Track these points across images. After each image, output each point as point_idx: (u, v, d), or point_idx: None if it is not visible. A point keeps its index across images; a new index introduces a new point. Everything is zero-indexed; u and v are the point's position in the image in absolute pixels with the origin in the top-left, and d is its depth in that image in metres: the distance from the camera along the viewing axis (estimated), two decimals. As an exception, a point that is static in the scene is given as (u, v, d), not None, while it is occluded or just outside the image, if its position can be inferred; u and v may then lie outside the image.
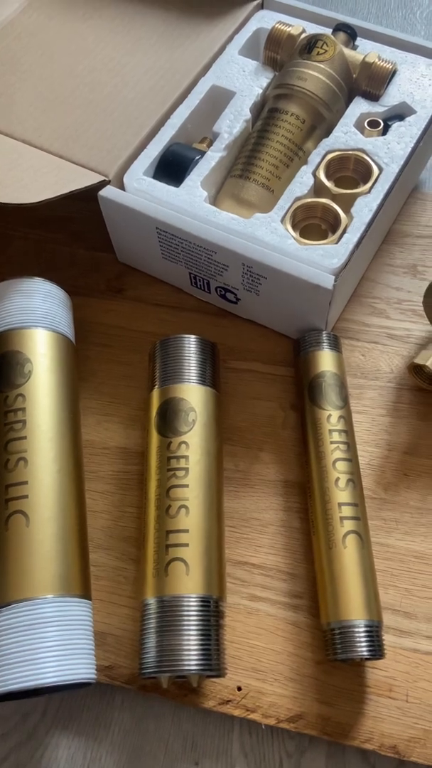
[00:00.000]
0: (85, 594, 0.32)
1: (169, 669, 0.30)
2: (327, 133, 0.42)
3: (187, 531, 0.32)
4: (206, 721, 0.34)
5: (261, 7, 0.48)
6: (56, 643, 0.29)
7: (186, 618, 0.31)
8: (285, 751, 0.33)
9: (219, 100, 0.43)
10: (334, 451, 0.36)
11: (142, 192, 0.40)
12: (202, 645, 0.30)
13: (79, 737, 0.34)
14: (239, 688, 0.33)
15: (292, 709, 0.33)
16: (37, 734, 0.34)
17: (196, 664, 0.30)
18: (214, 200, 0.41)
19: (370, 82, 0.42)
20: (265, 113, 0.42)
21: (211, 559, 0.32)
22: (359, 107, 0.42)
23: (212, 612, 0.31)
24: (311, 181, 0.40)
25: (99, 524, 0.38)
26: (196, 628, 0.30)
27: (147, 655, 0.31)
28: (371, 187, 0.39)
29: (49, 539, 0.31)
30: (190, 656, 0.30)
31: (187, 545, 0.32)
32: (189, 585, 0.31)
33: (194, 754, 0.33)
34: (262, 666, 0.34)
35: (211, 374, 0.38)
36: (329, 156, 0.40)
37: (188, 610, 0.31)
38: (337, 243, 0.37)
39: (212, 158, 0.41)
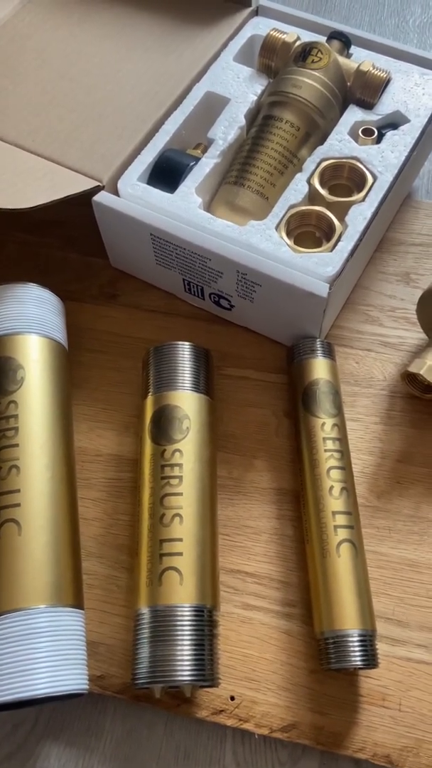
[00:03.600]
0: (78, 603, 0.32)
1: (162, 679, 0.30)
2: (321, 140, 0.42)
3: (180, 540, 0.32)
4: (199, 730, 0.34)
5: (256, 13, 0.48)
6: (48, 653, 0.29)
7: (179, 628, 0.30)
8: (278, 761, 0.33)
9: (214, 106, 0.43)
10: (328, 459, 0.36)
11: (136, 198, 0.39)
12: (195, 655, 0.30)
13: (71, 747, 0.33)
14: (232, 698, 0.33)
15: (285, 718, 0.33)
16: (28, 745, 0.33)
17: (190, 675, 0.30)
18: (209, 207, 0.41)
19: (365, 90, 0.42)
20: (260, 120, 0.42)
21: (204, 568, 0.32)
22: (353, 115, 0.42)
23: (206, 621, 0.31)
24: (306, 188, 0.40)
25: (92, 532, 0.37)
26: (189, 638, 0.30)
27: (140, 666, 0.30)
28: (365, 196, 0.39)
29: (41, 548, 0.31)
30: (184, 666, 0.30)
31: (180, 554, 0.32)
32: (182, 594, 0.31)
33: (187, 763, 0.33)
34: (255, 675, 0.34)
35: (205, 381, 0.38)
36: (324, 164, 0.40)
37: (182, 620, 0.31)
38: (331, 251, 0.37)
39: (207, 165, 0.41)
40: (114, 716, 0.34)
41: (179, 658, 0.30)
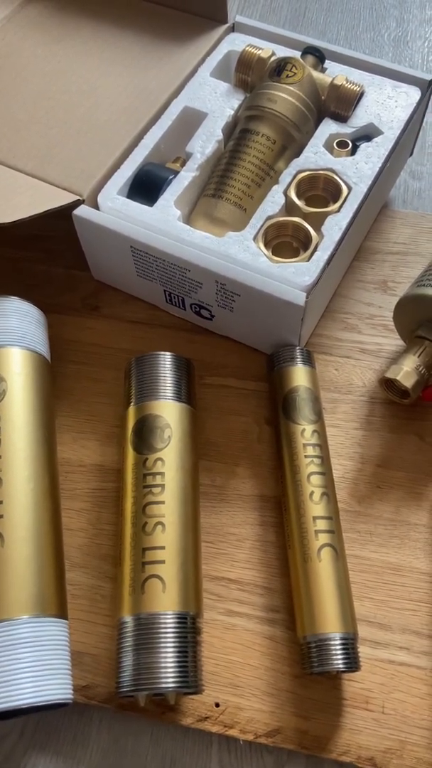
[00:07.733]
0: (62, 613, 0.32)
1: (146, 687, 0.30)
2: (297, 153, 0.43)
3: (163, 548, 0.33)
4: (185, 738, 0.34)
5: (232, 29, 0.49)
6: (32, 663, 0.29)
7: (163, 635, 0.31)
8: (263, 766, 0.33)
9: (191, 120, 0.44)
10: (308, 465, 0.36)
11: (116, 211, 0.40)
12: (179, 662, 0.30)
13: (57, 758, 0.33)
14: (217, 704, 0.34)
15: (270, 723, 0.33)
16: (14, 756, 0.33)
17: (173, 682, 0.30)
18: (188, 219, 0.42)
19: (339, 103, 0.43)
20: (237, 134, 0.43)
21: (187, 575, 0.33)
22: (328, 128, 0.43)
23: (189, 629, 0.31)
24: (282, 200, 0.41)
25: (75, 542, 0.38)
26: (172, 645, 0.31)
27: (124, 674, 0.31)
28: (341, 206, 0.40)
29: (24, 559, 0.31)
30: (167, 674, 0.30)
31: (163, 562, 0.32)
32: (165, 602, 0.31)
33: (173, 772, 0.33)
34: (239, 681, 0.34)
35: (187, 391, 0.38)
36: (300, 175, 0.41)
37: (165, 628, 0.31)
38: (308, 261, 0.38)
39: (185, 178, 0.41)
40: (100, 726, 0.34)
41: (163, 665, 0.30)
